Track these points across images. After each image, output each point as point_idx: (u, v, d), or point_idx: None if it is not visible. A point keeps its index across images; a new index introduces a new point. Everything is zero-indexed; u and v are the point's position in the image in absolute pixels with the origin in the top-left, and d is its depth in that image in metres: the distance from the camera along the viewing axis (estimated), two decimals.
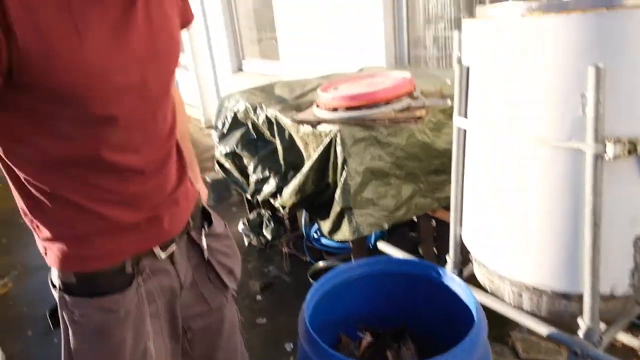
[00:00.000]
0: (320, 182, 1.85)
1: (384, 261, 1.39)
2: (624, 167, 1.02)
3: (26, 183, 0.80)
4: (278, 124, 2.03)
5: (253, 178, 2.23)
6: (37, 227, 0.85)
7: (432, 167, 1.84)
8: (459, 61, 1.29)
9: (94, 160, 0.79)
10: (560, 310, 1.17)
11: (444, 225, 2.06)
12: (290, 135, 1.98)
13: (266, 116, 2.11)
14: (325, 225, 1.85)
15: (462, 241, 1.49)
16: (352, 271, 1.35)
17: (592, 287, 1.08)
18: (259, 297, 2.46)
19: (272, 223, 2.73)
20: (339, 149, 1.69)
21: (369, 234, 1.81)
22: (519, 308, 1.26)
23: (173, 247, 0.94)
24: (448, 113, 1.82)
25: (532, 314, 1.25)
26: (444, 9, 2.72)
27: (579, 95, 0.99)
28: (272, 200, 2.15)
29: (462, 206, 1.43)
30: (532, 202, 1.15)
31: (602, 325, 1.20)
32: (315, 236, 2.68)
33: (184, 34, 3.10)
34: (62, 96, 0.71)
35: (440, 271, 1.29)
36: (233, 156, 2.37)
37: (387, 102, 1.70)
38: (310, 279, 2.33)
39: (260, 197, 2.22)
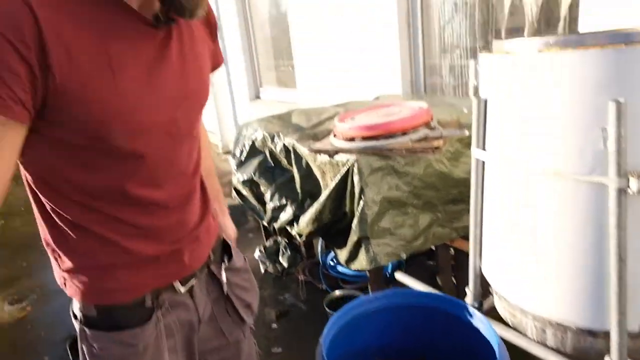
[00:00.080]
0: (337, 211, 1.85)
1: (402, 294, 1.37)
2: None
3: (52, 212, 0.82)
4: (295, 152, 2.04)
5: (270, 206, 2.24)
6: (59, 257, 0.86)
7: (450, 196, 1.83)
8: (476, 92, 1.29)
9: (119, 193, 0.81)
10: (586, 347, 1.14)
11: (462, 255, 2.03)
12: (307, 164, 1.99)
13: (284, 145, 2.14)
14: (343, 254, 1.84)
15: (482, 273, 1.47)
16: (370, 304, 1.33)
17: (619, 324, 1.05)
18: (274, 326, 2.44)
19: (288, 251, 2.73)
20: (356, 178, 1.70)
21: (386, 264, 1.79)
22: (543, 344, 1.23)
23: (193, 282, 0.94)
24: (465, 142, 1.82)
25: (557, 350, 1.21)
26: (459, 38, 2.75)
27: (599, 130, 0.98)
28: (288, 228, 2.16)
29: (482, 238, 1.42)
30: (552, 236, 1.13)
31: None
32: (332, 264, 2.66)
33: None
34: (92, 131, 0.73)
35: (460, 304, 1.27)
36: (250, 183, 2.39)
37: (404, 132, 1.71)
38: (327, 308, 2.31)
39: (277, 225, 2.22)
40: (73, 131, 0.72)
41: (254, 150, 2.40)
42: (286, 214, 2.13)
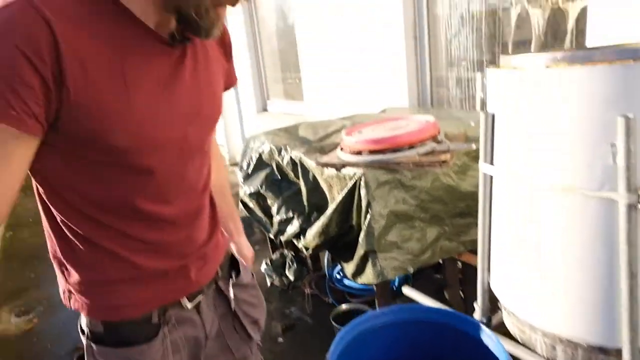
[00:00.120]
0: (344, 224, 1.84)
1: (410, 309, 1.36)
2: None
3: (62, 225, 0.82)
4: (302, 165, 2.05)
5: (277, 218, 2.24)
6: (66, 270, 0.86)
7: (457, 209, 1.82)
8: (483, 106, 1.29)
9: (129, 208, 0.81)
10: None
11: (470, 269, 2.02)
12: (314, 177, 1.99)
13: (291, 158, 2.14)
14: (349, 268, 1.83)
15: (490, 288, 1.45)
16: (377, 319, 1.32)
17: (631, 342, 1.03)
18: (280, 340, 2.43)
19: (294, 264, 2.72)
20: (363, 192, 1.69)
21: (393, 278, 1.78)
22: None
23: (200, 297, 0.94)
24: (473, 155, 1.81)
25: None
26: (466, 51, 2.75)
27: (608, 145, 0.97)
28: (295, 241, 2.15)
29: (490, 253, 1.41)
30: (560, 251, 1.12)
31: None
32: (338, 277, 2.65)
33: None
34: (104, 145, 0.74)
35: (469, 320, 1.25)
36: (257, 196, 2.40)
37: (411, 146, 1.71)
38: (333, 322, 2.29)
39: (283, 238, 2.22)
40: (85, 144, 0.73)
41: (260, 163, 2.40)
42: (293, 227, 2.12)
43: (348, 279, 2.10)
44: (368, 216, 1.69)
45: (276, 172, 2.31)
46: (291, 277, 2.73)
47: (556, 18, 2.30)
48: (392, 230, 1.72)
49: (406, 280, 2.40)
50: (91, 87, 0.69)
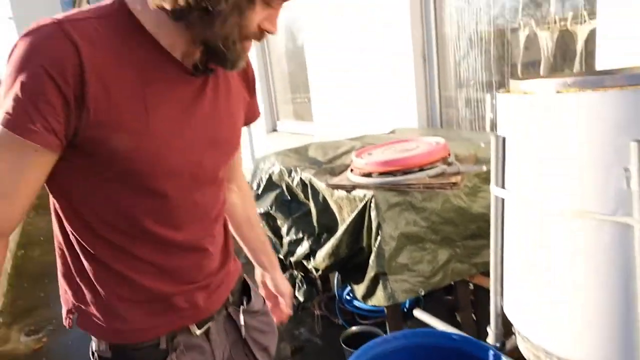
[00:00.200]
0: (354, 246, 1.84)
1: (422, 334, 1.35)
2: None
3: (75, 243, 0.84)
4: (312, 187, 2.05)
5: (286, 239, 2.24)
6: (76, 288, 0.87)
7: (469, 231, 1.81)
8: (493, 127, 1.29)
9: (139, 229, 0.82)
10: None
11: (482, 291, 2.00)
12: (324, 198, 2.00)
13: (300, 179, 2.15)
14: (360, 290, 1.82)
15: (503, 312, 1.43)
16: (388, 343, 1.31)
17: None
18: None
19: (304, 285, 2.71)
20: (373, 213, 1.69)
21: (404, 300, 1.77)
22: None
23: (210, 324, 0.94)
24: (483, 177, 1.81)
25: None
26: (475, 72, 2.77)
27: (621, 169, 0.97)
28: (305, 262, 2.15)
29: (503, 276, 1.39)
30: (574, 277, 1.11)
31: None
32: (348, 298, 2.63)
33: None
34: (119, 166, 0.76)
35: (482, 346, 1.24)
36: (267, 217, 2.40)
37: (421, 168, 1.71)
38: (343, 344, 2.27)
39: (293, 259, 2.21)
40: (101, 163, 0.75)
41: (270, 184, 2.41)
42: (302, 248, 2.12)
43: (358, 300, 2.09)
44: (378, 238, 1.69)
45: (286, 193, 2.32)
46: (301, 298, 2.72)
47: (565, 39, 2.31)
48: (402, 252, 1.71)
49: (417, 302, 2.38)
50: (112, 109, 0.72)
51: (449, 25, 2.88)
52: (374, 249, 1.70)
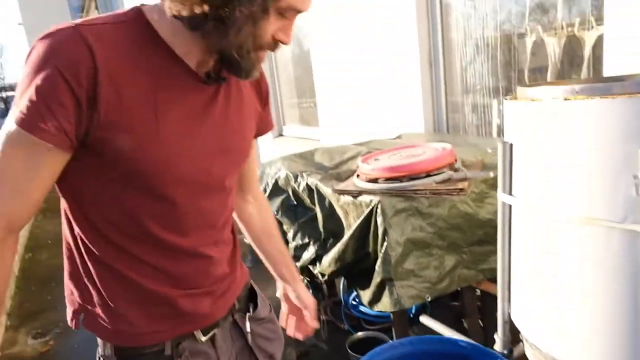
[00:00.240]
0: (360, 251, 1.84)
1: (429, 340, 1.34)
2: None
3: (81, 243, 0.85)
4: (318, 192, 2.06)
5: (292, 244, 2.24)
6: (82, 288, 0.88)
7: (475, 237, 1.81)
8: (500, 132, 1.29)
9: (144, 233, 0.83)
10: None
11: (489, 297, 1.99)
12: (330, 204, 2.00)
13: (307, 184, 2.15)
14: (366, 295, 1.82)
15: (511, 319, 1.43)
16: (395, 350, 1.30)
17: None
18: None
19: (310, 290, 2.70)
20: (379, 219, 1.69)
21: (410, 306, 1.77)
22: None
23: (215, 330, 0.94)
24: (490, 183, 1.80)
25: None
26: (481, 78, 2.77)
27: (630, 176, 0.96)
28: (311, 268, 2.15)
29: (510, 283, 1.39)
30: (578, 283, 1.10)
31: None
32: (354, 303, 2.63)
33: None
34: (127, 168, 0.77)
35: (489, 353, 1.23)
36: None
37: (428, 173, 1.71)
38: (349, 350, 2.26)
39: (299, 264, 2.21)
40: (108, 163, 0.76)
41: (277, 189, 2.42)
42: (308, 253, 2.12)
43: (364, 305, 2.08)
44: (385, 243, 1.69)
45: (292, 198, 2.32)
46: None
47: (572, 45, 2.30)
48: (409, 258, 1.71)
49: (423, 307, 2.37)
50: (123, 112, 0.73)
51: (455, 31, 2.88)
52: (380, 255, 1.70)
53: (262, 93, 0.99)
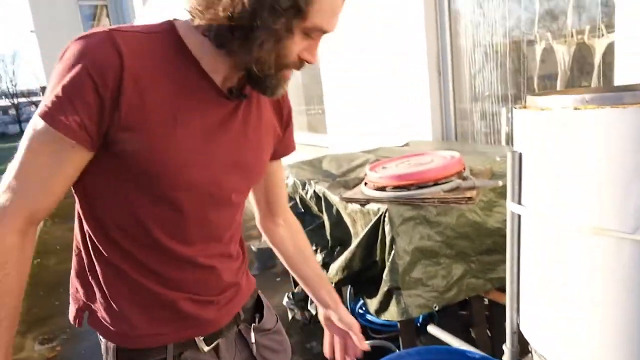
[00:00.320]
0: (367, 260, 1.83)
1: (435, 351, 1.33)
2: None
3: (89, 242, 0.87)
4: (326, 199, 2.05)
5: None
6: (88, 287, 0.89)
7: (484, 246, 1.79)
8: (508, 140, 1.28)
9: (150, 238, 0.84)
10: None
11: (497, 307, 1.96)
12: (337, 211, 1.99)
13: (314, 191, 2.15)
14: (373, 304, 1.81)
15: (519, 329, 1.41)
16: None
17: None
18: None
19: None
20: (387, 227, 1.68)
21: (417, 315, 1.75)
22: None
23: (219, 340, 0.94)
24: (499, 192, 1.79)
25: None
26: (490, 86, 2.76)
27: None
28: None
29: (519, 293, 1.37)
30: (589, 293, 1.09)
31: None
32: (361, 312, 2.61)
33: None
34: (141, 170, 0.79)
35: None
36: None
37: (436, 182, 1.70)
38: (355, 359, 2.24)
39: None
40: (124, 165, 0.78)
41: None
42: None
43: (371, 314, 2.07)
44: (392, 252, 1.68)
45: (300, 206, 2.32)
46: (313, 311, 2.70)
47: (582, 52, 2.29)
48: (416, 266, 1.70)
49: (431, 317, 2.35)
50: (144, 116, 0.75)
51: (464, 38, 2.87)
52: (388, 263, 1.69)
53: (283, 115, 1.01)
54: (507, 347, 1.42)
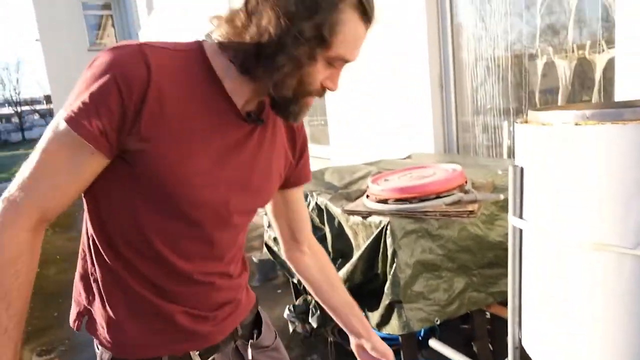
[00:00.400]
0: (369, 272, 1.83)
1: None
2: None
3: (93, 247, 0.88)
4: (328, 211, 2.06)
5: None
6: (90, 292, 0.90)
7: (486, 260, 1.79)
8: (510, 153, 1.29)
9: (152, 250, 0.85)
10: None
11: (499, 321, 1.95)
12: (339, 224, 2.00)
13: (316, 203, 2.16)
14: (374, 317, 1.80)
15: (522, 344, 1.40)
16: None
17: None
18: None
19: (318, 310, 2.68)
20: (389, 240, 1.68)
21: (419, 329, 1.74)
22: None
23: (215, 356, 0.94)
24: (501, 205, 1.79)
25: None
26: (492, 99, 2.77)
27: None
28: None
29: (521, 307, 1.37)
30: (589, 308, 1.09)
31: None
32: None
33: None
34: (150, 180, 0.80)
35: None
36: None
37: (438, 195, 1.70)
38: None
39: None
40: (135, 173, 0.79)
41: None
42: None
43: (372, 327, 2.06)
44: (394, 265, 1.68)
45: None
46: (314, 324, 2.69)
47: (583, 67, 2.31)
48: (418, 280, 1.69)
49: (432, 331, 2.34)
50: (162, 128, 0.77)
51: (466, 52, 2.90)
52: (389, 277, 1.69)
53: (296, 144, 1.03)
54: None
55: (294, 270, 1.18)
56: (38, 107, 44.66)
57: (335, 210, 1.98)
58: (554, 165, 1.08)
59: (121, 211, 0.83)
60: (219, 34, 0.81)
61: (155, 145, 0.77)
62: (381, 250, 1.72)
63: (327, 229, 2.06)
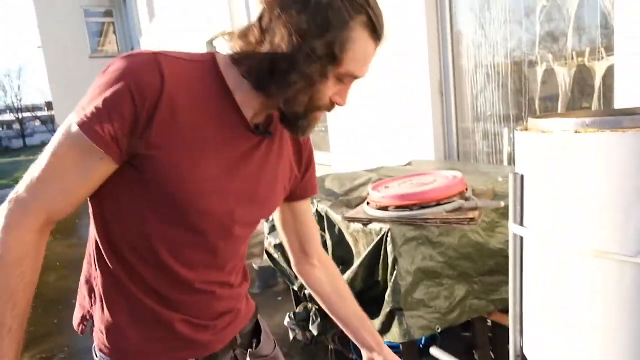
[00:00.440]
0: (369, 280, 1.82)
1: None
2: None
3: (96, 252, 0.88)
4: (328, 218, 2.06)
5: None
6: (93, 296, 0.90)
7: (486, 267, 1.79)
8: (510, 160, 1.29)
9: (156, 257, 0.85)
10: None
11: (501, 329, 1.95)
12: (340, 231, 2.00)
13: (317, 210, 2.16)
14: (375, 325, 1.79)
15: (523, 352, 1.40)
16: None
17: None
18: None
19: (318, 318, 2.67)
20: (389, 248, 1.68)
21: (420, 337, 1.74)
22: None
23: None
24: (501, 212, 1.79)
25: None
26: (492, 106, 2.78)
27: None
28: None
29: (522, 315, 1.36)
30: (589, 316, 1.08)
31: None
32: None
33: None
34: (157, 187, 0.80)
35: None
36: (282, 248, 2.40)
37: (439, 202, 1.70)
38: None
39: (308, 291, 2.20)
40: (144, 180, 0.80)
41: None
42: None
43: None
44: (395, 273, 1.67)
45: None
46: (315, 332, 2.68)
47: (582, 74, 2.31)
48: (419, 287, 1.69)
49: (433, 339, 2.33)
50: (172, 136, 0.78)
51: (466, 59, 2.91)
52: (390, 284, 1.69)
53: (302, 158, 1.03)
54: None
55: (304, 283, 1.17)
56: (39, 113, 44.80)
57: (336, 217, 1.98)
58: (554, 173, 1.09)
59: (129, 217, 0.83)
60: (231, 51, 0.82)
61: (167, 152, 0.78)
62: (382, 257, 1.72)
63: (327, 236, 2.06)
